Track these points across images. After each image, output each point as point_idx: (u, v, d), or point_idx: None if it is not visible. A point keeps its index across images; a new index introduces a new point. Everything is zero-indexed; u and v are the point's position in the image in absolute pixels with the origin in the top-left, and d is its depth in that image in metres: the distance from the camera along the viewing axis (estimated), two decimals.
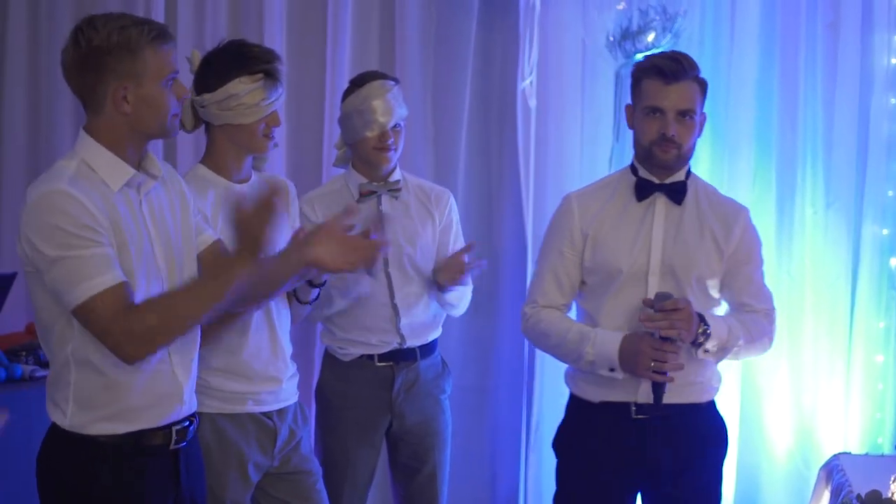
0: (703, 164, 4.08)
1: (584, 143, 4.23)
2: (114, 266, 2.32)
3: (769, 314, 3.16)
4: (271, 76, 3.00)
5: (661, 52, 3.17)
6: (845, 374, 4.00)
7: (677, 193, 3.11)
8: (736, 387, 4.03)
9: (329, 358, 3.60)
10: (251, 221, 2.31)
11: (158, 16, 4.41)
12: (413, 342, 3.53)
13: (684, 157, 3.11)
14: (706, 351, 3.00)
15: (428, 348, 3.58)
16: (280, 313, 3.13)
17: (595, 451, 3.12)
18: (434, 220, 3.59)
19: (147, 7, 4.38)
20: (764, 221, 4.02)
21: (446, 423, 3.63)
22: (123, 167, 2.42)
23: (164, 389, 2.48)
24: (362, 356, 3.51)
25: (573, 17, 4.16)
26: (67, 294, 2.30)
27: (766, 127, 4.05)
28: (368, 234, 2.52)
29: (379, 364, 3.50)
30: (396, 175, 3.55)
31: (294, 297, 3.16)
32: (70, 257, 2.28)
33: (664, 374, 2.94)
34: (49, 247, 2.28)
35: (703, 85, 3.09)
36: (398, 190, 3.54)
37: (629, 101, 3.16)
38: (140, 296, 2.38)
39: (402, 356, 3.52)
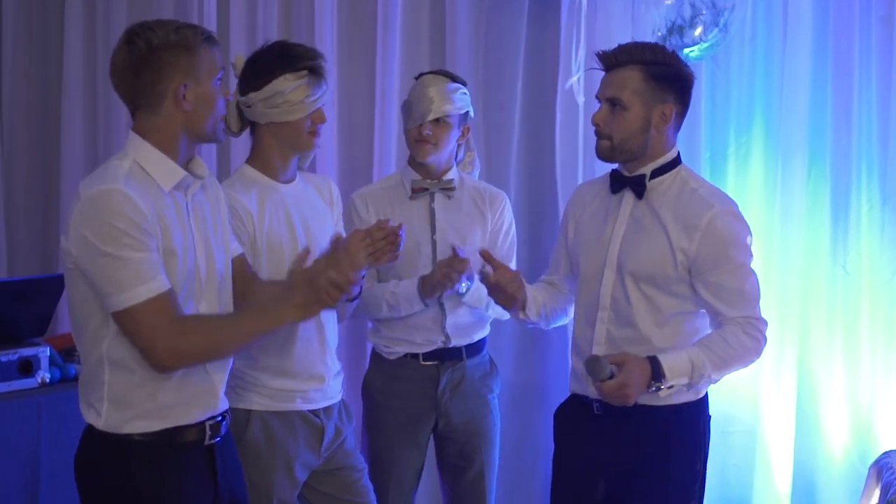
0: (757, 162, 4.05)
1: None
2: (160, 272, 2.35)
3: (749, 323, 2.83)
4: (315, 73, 3.04)
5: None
6: None
7: (640, 187, 2.92)
8: (792, 386, 3.99)
9: (375, 356, 3.62)
10: (324, 284, 2.45)
11: (211, 20, 4.47)
12: (458, 341, 3.53)
13: (622, 150, 2.89)
14: (670, 387, 2.79)
15: (474, 347, 3.58)
16: (327, 312, 3.15)
17: (566, 438, 3.13)
18: (486, 221, 3.59)
19: (200, 12, 4.45)
20: (819, 218, 3.99)
21: (494, 422, 3.62)
22: (175, 168, 2.46)
23: (198, 387, 2.51)
24: (407, 355, 3.52)
25: (622, 13, 4.14)
26: (112, 296, 2.32)
27: (820, 123, 3.99)
28: None
29: (424, 363, 3.51)
30: (451, 174, 3.56)
31: None
32: (120, 257, 2.29)
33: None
34: (102, 243, 2.30)
35: (651, 71, 2.83)
36: (451, 189, 3.54)
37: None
38: (180, 301, 2.42)
39: (448, 355, 3.52)
